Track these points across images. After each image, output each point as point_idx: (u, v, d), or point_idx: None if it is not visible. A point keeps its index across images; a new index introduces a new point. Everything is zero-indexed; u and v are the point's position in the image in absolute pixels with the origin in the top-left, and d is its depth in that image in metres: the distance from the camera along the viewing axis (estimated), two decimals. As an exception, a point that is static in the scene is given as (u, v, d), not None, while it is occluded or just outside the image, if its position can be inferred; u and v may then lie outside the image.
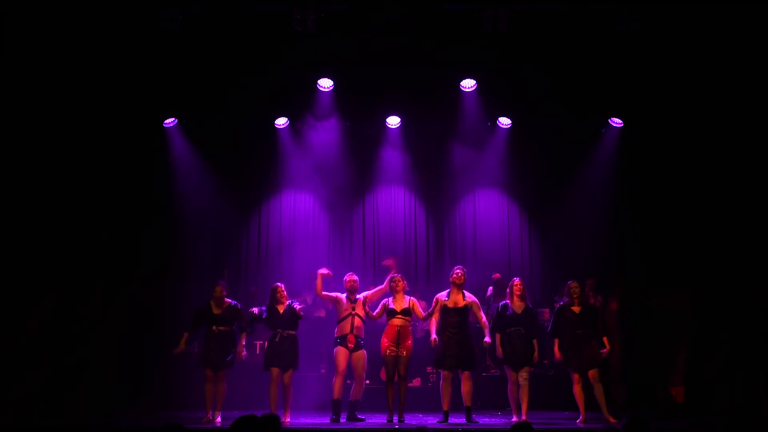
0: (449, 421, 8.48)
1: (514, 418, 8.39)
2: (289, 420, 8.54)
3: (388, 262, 9.31)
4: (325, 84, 11.25)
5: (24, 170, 9.61)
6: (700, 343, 9.87)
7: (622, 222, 11.88)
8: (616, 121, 12.02)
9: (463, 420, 8.54)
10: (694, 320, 9.98)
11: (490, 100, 11.54)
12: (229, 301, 8.73)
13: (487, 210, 13.47)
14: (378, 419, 9.22)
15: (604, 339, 8.64)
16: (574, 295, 8.51)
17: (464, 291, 8.61)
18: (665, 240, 10.76)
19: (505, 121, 12.36)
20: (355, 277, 8.92)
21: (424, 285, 12.93)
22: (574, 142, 12.54)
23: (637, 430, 4.76)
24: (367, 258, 13.24)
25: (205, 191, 12.29)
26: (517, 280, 8.69)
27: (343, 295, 8.89)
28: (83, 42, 9.79)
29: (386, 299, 8.72)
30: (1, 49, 9.35)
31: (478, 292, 12.34)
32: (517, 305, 8.51)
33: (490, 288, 12.25)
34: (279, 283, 9.00)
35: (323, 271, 8.96)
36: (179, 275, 11.67)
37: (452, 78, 11.17)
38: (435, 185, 13.40)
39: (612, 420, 8.21)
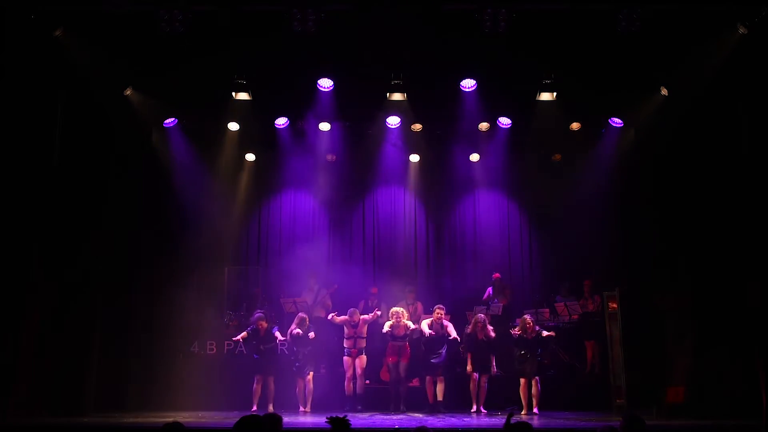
0: (448, 420, 9.31)
1: (473, 408, 10.19)
2: (309, 410, 10.29)
3: (374, 290, 11.93)
4: (325, 84, 11.24)
5: (23, 171, 9.61)
6: (700, 343, 9.87)
7: (622, 222, 11.89)
8: (616, 121, 12.02)
9: (463, 419, 9.42)
10: (694, 320, 9.97)
11: (490, 100, 11.53)
12: (266, 325, 10.33)
13: (487, 210, 13.48)
14: (379, 417, 9.42)
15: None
16: (529, 330, 10.07)
17: (443, 321, 10.42)
18: (665, 240, 10.74)
19: (505, 121, 12.35)
20: (357, 317, 10.54)
21: (424, 284, 12.95)
22: (574, 141, 12.54)
23: (635, 430, 4.77)
24: (367, 258, 13.25)
25: (205, 191, 12.29)
26: (480, 318, 10.43)
27: (347, 321, 10.67)
28: (85, 41, 9.82)
29: (391, 326, 10.44)
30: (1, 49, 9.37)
31: (478, 293, 12.43)
32: (481, 335, 10.31)
33: (490, 288, 12.26)
34: (303, 314, 10.55)
35: (333, 316, 10.79)
36: (179, 275, 11.67)
37: (452, 78, 11.16)
38: (435, 185, 13.41)
39: (524, 414, 9.93)
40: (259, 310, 10.52)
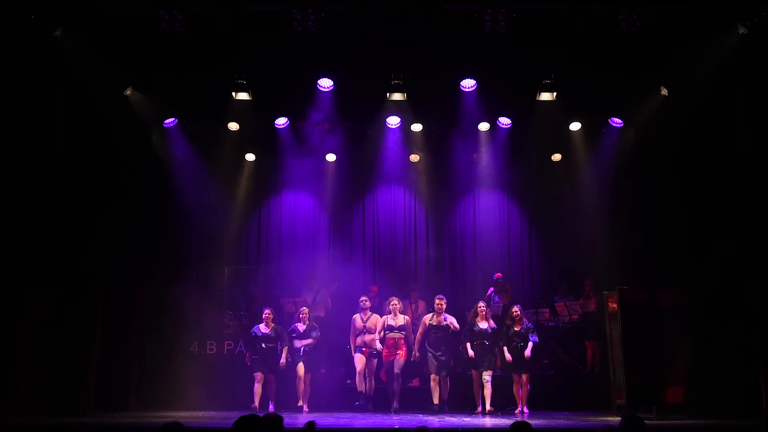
0: (448, 420, 9.12)
1: (479, 409, 9.92)
2: (307, 409, 10.19)
3: (374, 288, 11.98)
4: (325, 84, 11.24)
5: (23, 171, 9.61)
6: (700, 343, 9.87)
7: (622, 222, 11.88)
8: (616, 121, 12.02)
9: (463, 419, 9.23)
10: (695, 320, 9.97)
11: (490, 100, 11.53)
12: (273, 325, 10.39)
13: (487, 210, 13.48)
14: (379, 417, 9.36)
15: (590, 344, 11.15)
16: (516, 318, 10.09)
17: (444, 314, 10.15)
18: (665, 239, 10.75)
19: (505, 121, 12.36)
20: (368, 302, 10.57)
21: (424, 285, 12.95)
22: (574, 141, 12.54)
23: (634, 430, 4.77)
24: (367, 258, 13.25)
25: (205, 191, 12.29)
26: (482, 305, 10.26)
27: (357, 315, 10.51)
28: (85, 41, 9.82)
29: (385, 317, 10.35)
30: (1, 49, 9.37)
31: (478, 292, 12.43)
32: (483, 323, 10.13)
33: (491, 288, 12.26)
34: (304, 307, 10.63)
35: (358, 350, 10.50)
36: (178, 275, 11.67)
37: (452, 78, 11.16)
38: (435, 185, 13.41)
39: (517, 412, 9.89)
40: (267, 307, 10.52)
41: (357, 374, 10.34)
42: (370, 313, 10.48)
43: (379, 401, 10.57)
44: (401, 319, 10.29)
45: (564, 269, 12.78)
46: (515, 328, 10.05)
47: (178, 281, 11.59)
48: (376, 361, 10.34)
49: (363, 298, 10.64)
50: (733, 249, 9.66)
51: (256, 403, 10.05)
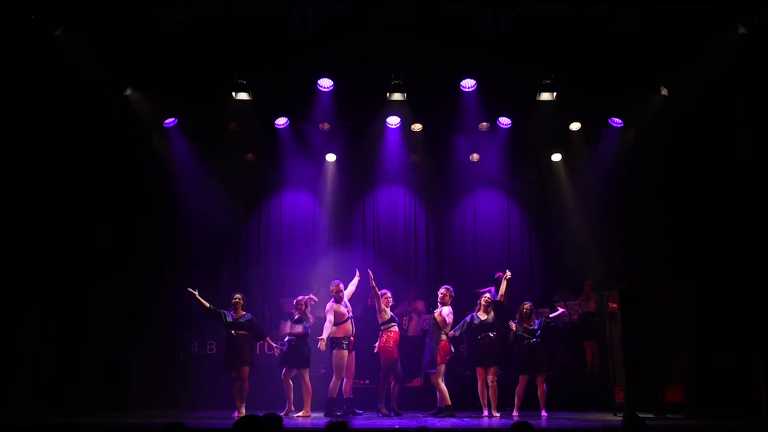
0: (448, 420, 9.06)
1: (485, 412, 9.45)
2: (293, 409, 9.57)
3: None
4: (325, 84, 11.25)
5: (23, 172, 9.62)
6: (700, 343, 9.87)
7: (622, 222, 11.88)
8: (616, 121, 12.02)
9: (463, 419, 9.19)
10: (695, 320, 9.98)
11: (490, 100, 11.53)
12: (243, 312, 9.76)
13: (487, 210, 13.46)
14: (378, 418, 9.30)
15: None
16: (525, 314, 9.77)
17: (443, 306, 9.57)
18: (665, 240, 10.75)
19: (505, 121, 12.36)
20: (342, 285, 9.57)
21: (424, 284, 12.94)
22: (574, 141, 12.54)
23: (636, 430, 4.77)
24: (367, 258, 13.21)
25: (205, 191, 12.28)
26: (486, 296, 9.86)
27: (338, 305, 9.46)
28: (85, 41, 9.82)
29: (385, 308, 9.53)
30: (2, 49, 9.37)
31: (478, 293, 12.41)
32: (483, 315, 9.65)
33: (492, 288, 12.24)
34: (301, 297, 9.86)
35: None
36: (178, 275, 11.66)
37: (452, 78, 11.17)
38: (435, 185, 13.40)
39: (514, 415, 9.49)
40: (238, 292, 9.84)
41: (338, 376, 9.32)
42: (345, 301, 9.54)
43: (374, 400, 10.38)
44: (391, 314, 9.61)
45: (564, 269, 12.77)
46: (524, 325, 9.71)
47: (178, 281, 11.58)
48: (353, 354, 9.50)
49: (339, 287, 9.50)
50: (733, 249, 9.66)
51: (237, 411, 9.34)
